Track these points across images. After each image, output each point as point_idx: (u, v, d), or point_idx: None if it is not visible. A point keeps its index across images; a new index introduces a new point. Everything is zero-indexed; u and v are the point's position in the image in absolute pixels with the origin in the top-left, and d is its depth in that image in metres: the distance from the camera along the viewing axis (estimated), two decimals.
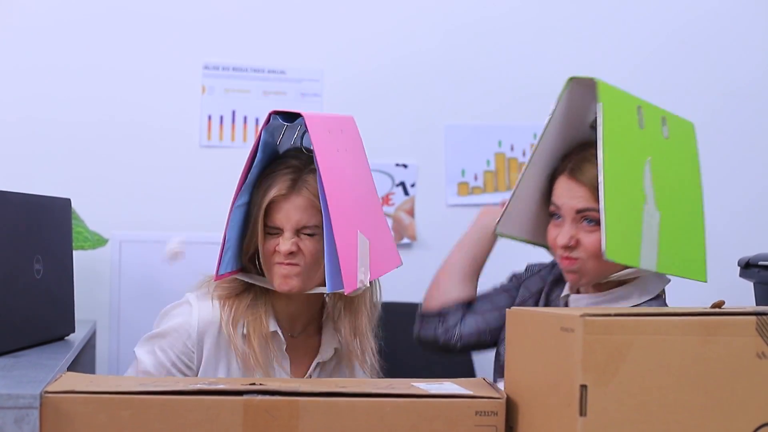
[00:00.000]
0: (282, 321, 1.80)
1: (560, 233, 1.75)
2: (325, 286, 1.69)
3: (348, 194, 1.71)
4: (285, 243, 1.70)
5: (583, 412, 1.08)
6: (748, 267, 2.02)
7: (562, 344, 1.12)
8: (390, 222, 2.85)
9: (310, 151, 1.72)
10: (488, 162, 2.90)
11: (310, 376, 1.79)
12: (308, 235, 1.73)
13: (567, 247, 1.73)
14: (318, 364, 1.81)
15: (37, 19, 2.73)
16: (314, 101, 2.84)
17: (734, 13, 3.00)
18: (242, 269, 1.78)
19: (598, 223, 1.69)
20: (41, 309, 1.77)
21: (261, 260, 1.76)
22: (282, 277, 1.72)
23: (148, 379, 1.32)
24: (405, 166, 2.86)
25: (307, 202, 1.72)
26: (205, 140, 2.79)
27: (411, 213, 2.87)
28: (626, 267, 1.70)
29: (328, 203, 1.61)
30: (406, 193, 2.87)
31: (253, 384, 1.25)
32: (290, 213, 1.71)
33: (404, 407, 1.23)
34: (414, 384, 1.30)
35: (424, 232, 2.88)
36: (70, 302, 1.91)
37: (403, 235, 2.86)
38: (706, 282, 1.82)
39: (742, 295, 2.11)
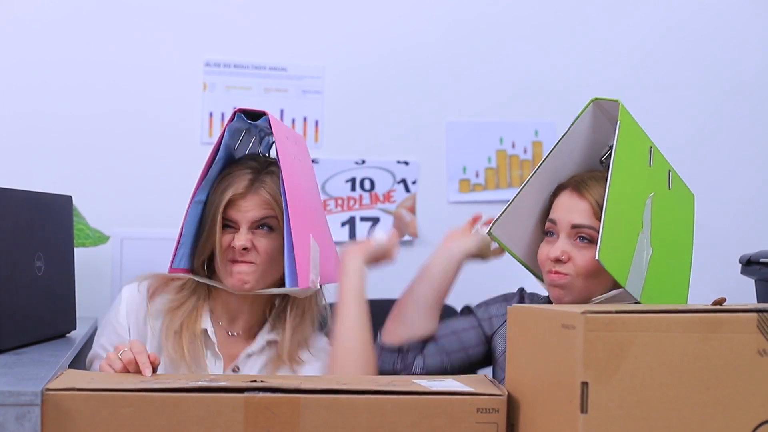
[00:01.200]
0: (221, 319, 1.84)
1: (553, 247, 1.73)
2: (276, 287, 1.77)
3: (302, 199, 1.76)
4: (240, 238, 1.74)
5: (584, 408, 1.08)
6: (749, 264, 2.02)
7: (564, 341, 1.12)
8: (391, 219, 2.85)
9: (267, 157, 1.82)
10: (489, 159, 2.90)
11: (237, 367, 1.79)
12: (263, 232, 1.77)
13: (558, 261, 1.72)
14: (248, 354, 1.81)
15: (38, 19, 2.72)
16: (315, 98, 2.83)
17: (734, 11, 2.99)
18: (192, 270, 1.82)
19: (591, 241, 1.69)
20: (42, 306, 1.77)
21: (216, 258, 1.78)
22: (237, 276, 1.75)
23: (149, 378, 1.32)
24: (406, 163, 2.86)
25: (264, 201, 1.76)
26: (206, 137, 2.79)
27: (412, 210, 2.87)
28: (610, 290, 1.70)
29: (288, 201, 1.67)
30: (407, 190, 2.86)
31: (254, 381, 1.25)
32: (247, 210, 1.76)
33: (405, 404, 1.23)
34: (415, 381, 1.30)
35: (426, 229, 2.87)
36: (72, 299, 1.91)
37: (404, 232, 2.86)
38: None
39: (743, 292, 2.11)
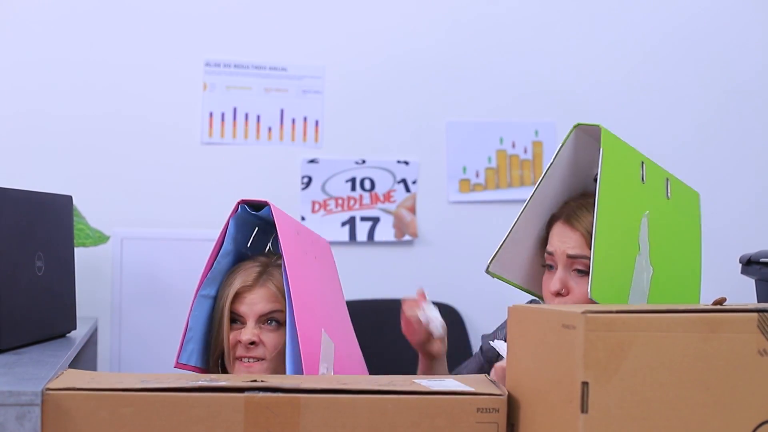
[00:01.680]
0: None
1: (552, 280, 1.73)
2: None
3: (313, 294, 1.72)
4: (246, 332, 1.72)
5: (584, 408, 1.08)
6: (749, 264, 2.01)
7: (564, 341, 1.12)
8: (391, 219, 2.85)
9: (279, 254, 1.75)
10: (490, 159, 2.90)
11: None
12: (271, 327, 1.74)
13: (558, 294, 1.72)
14: None
15: (38, 19, 2.73)
16: (316, 98, 2.83)
17: (734, 11, 2.99)
18: (207, 369, 1.79)
19: (588, 272, 1.65)
20: (43, 306, 1.77)
21: (225, 355, 1.76)
22: (245, 372, 1.72)
23: (150, 376, 1.32)
24: (406, 163, 2.86)
25: (271, 295, 1.74)
26: (206, 137, 2.79)
27: (412, 210, 2.87)
28: None
29: (291, 292, 1.63)
30: (407, 190, 2.86)
31: (255, 381, 1.25)
32: (254, 303, 1.73)
33: (406, 404, 1.23)
34: (415, 381, 1.30)
35: (426, 229, 2.88)
36: (72, 299, 1.91)
37: (404, 232, 2.86)
38: None
39: (743, 292, 2.11)
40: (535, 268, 1.83)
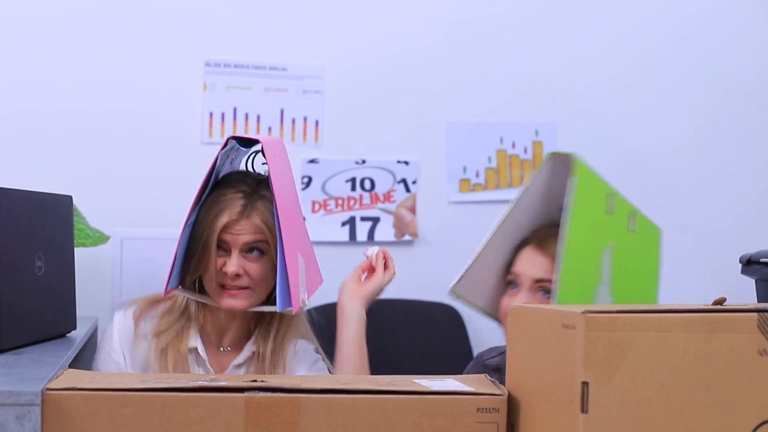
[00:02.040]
0: (212, 335, 1.89)
1: (515, 299, 1.75)
2: (266, 304, 1.82)
3: (291, 218, 1.79)
4: (231, 265, 1.78)
5: (584, 409, 1.08)
6: (749, 264, 2.01)
7: (564, 341, 1.12)
8: (391, 219, 2.85)
9: (258, 175, 1.87)
10: (490, 159, 2.90)
11: None
12: (254, 257, 1.81)
13: None
14: (235, 366, 1.87)
15: (38, 19, 2.72)
16: (316, 98, 2.83)
17: (734, 11, 2.99)
18: (184, 287, 1.86)
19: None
20: (43, 306, 1.77)
21: (209, 280, 1.83)
22: (228, 302, 1.81)
23: (150, 376, 1.32)
24: (406, 163, 2.86)
25: (255, 227, 1.80)
26: (206, 137, 2.79)
27: (412, 210, 2.87)
28: None
29: (282, 231, 1.71)
30: (407, 190, 2.86)
31: (255, 381, 1.25)
32: (239, 235, 1.80)
33: (406, 404, 1.23)
34: (415, 381, 1.30)
35: (426, 229, 2.88)
36: (72, 299, 1.91)
37: (404, 232, 2.86)
38: None
39: (743, 292, 2.11)
40: (497, 291, 1.86)
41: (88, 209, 2.54)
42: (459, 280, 1.84)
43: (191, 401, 1.21)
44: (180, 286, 1.85)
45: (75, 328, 1.91)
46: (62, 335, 1.86)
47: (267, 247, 1.80)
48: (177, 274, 1.83)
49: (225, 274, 1.79)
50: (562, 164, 1.74)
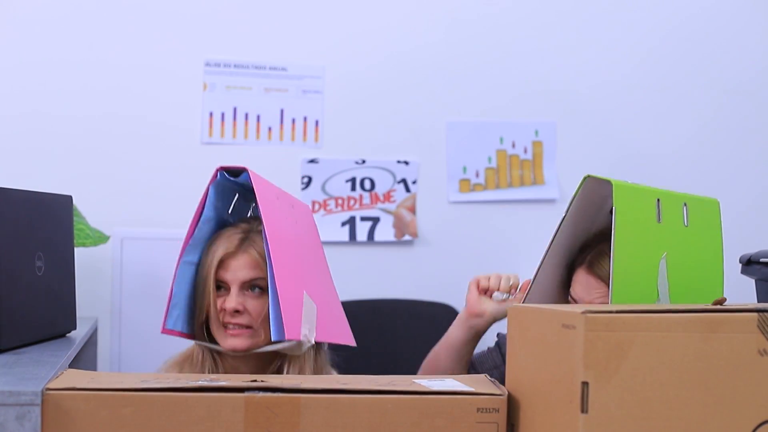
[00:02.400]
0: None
1: None
2: (273, 344, 1.75)
3: (294, 256, 1.75)
4: (231, 301, 1.75)
5: (584, 409, 1.08)
6: (749, 264, 2.01)
7: (564, 341, 1.12)
8: (391, 219, 2.85)
9: (259, 219, 1.78)
10: (490, 159, 2.90)
11: None
12: (254, 294, 1.78)
13: None
14: None
15: (38, 19, 2.72)
16: (316, 98, 2.83)
17: (734, 11, 3.00)
18: (194, 335, 1.83)
19: None
20: (43, 306, 1.77)
21: (211, 321, 1.80)
22: (230, 342, 1.77)
23: (150, 376, 1.32)
24: (406, 163, 2.86)
25: (254, 261, 1.77)
26: (206, 137, 2.79)
27: (412, 210, 2.87)
28: None
29: (272, 255, 1.66)
30: (407, 190, 2.86)
31: (255, 381, 1.25)
32: (237, 270, 1.77)
33: (406, 404, 1.23)
34: (415, 381, 1.30)
35: (426, 229, 2.88)
36: (72, 299, 1.91)
37: (404, 232, 2.86)
38: None
39: (743, 292, 2.11)
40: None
41: (88, 209, 2.54)
42: (524, 301, 1.80)
43: (191, 401, 1.21)
44: (192, 336, 1.83)
45: (75, 328, 1.91)
46: (62, 335, 1.86)
47: (267, 284, 1.74)
48: (183, 317, 1.81)
49: (225, 312, 1.76)
50: (600, 182, 1.69)
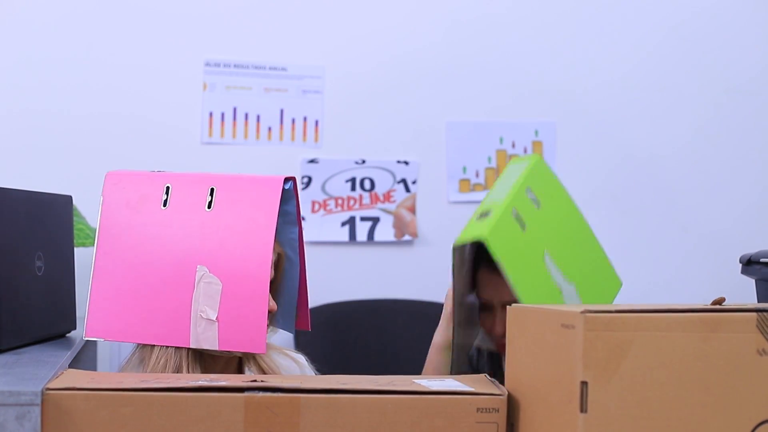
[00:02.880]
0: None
1: (496, 324, 1.76)
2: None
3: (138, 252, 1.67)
4: None
5: (583, 408, 1.08)
6: (749, 264, 2.01)
7: (563, 341, 1.12)
8: (391, 219, 2.85)
9: None
10: (489, 159, 2.90)
11: None
12: None
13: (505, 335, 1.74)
14: None
15: (38, 19, 2.73)
16: (316, 98, 2.84)
17: (734, 11, 3.00)
18: None
19: None
20: (43, 306, 1.77)
21: None
22: None
23: (150, 376, 1.32)
24: (406, 163, 2.86)
25: None
26: (206, 137, 2.79)
27: (412, 210, 2.87)
28: None
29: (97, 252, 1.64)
30: (407, 190, 2.86)
31: (255, 381, 1.25)
32: None
33: (406, 404, 1.23)
34: (415, 381, 1.30)
35: (426, 229, 2.88)
36: (72, 299, 1.91)
37: (404, 232, 2.86)
38: (621, 284, 1.81)
39: (743, 292, 2.11)
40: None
41: (88, 209, 2.54)
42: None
43: (191, 401, 1.21)
44: None
45: (75, 328, 1.91)
46: (62, 335, 1.86)
47: None
48: None
49: None
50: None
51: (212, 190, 1.64)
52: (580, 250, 1.80)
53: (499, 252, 1.65)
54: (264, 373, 1.73)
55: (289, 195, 1.67)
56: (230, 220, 1.62)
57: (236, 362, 1.75)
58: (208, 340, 1.59)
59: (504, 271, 1.64)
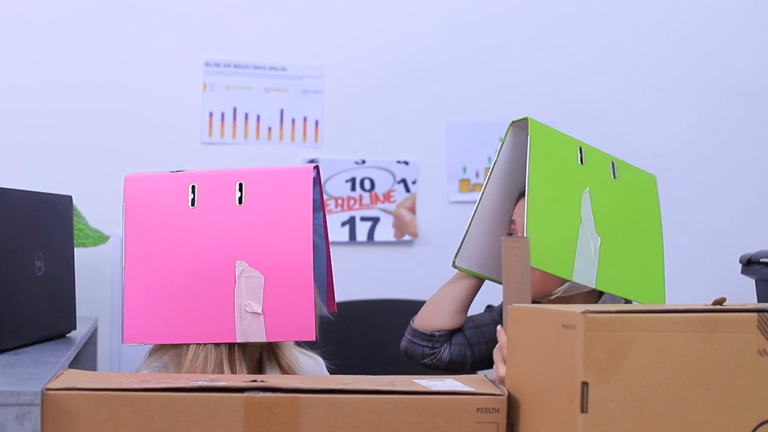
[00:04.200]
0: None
1: None
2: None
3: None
4: None
5: (584, 409, 1.08)
6: (749, 264, 2.01)
7: (564, 341, 1.12)
8: (391, 219, 2.85)
9: None
10: (489, 159, 2.90)
11: None
12: None
13: None
14: None
15: (38, 19, 2.73)
16: (316, 98, 2.84)
17: (734, 12, 3.00)
18: None
19: None
20: (43, 306, 1.77)
21: None
22: None
23: (150, 376, 1.32)
24: (406, 163, 2.86)
25: None
26: (206, 137, 2.79)
27: (412, 210, 2.87)
28: (562, 283, 1.81)
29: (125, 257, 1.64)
30: (407, 190, 2.86)
31: (255, 381, 1.25)
32: None
33: (406, 404, 1.23)
34: (415, 381, 1.30)
35: (426, 229, 2.88)
36: (72, 299, 1.91)
37: (404, 232, 2.86)
38: (660, 300, 1.87)
39: (743, 292, 2.11)
40: (496, 257, 1.92)
41: (88, 209, 2.54)
42: (457, 254, 1.90)
43: (191, 401, 1.21)
44: None
45: (75, 328, 1.91)
46: (62, 335, 1.86)
47: None
48: None
49: None
50: (526, 129, 1.82)
51: (240, 185, 1.65)
52: (633, 241, 1.83)
53: (536, 135, 1.73)
54: (284, 370, 1.74)
55: (313, 182, 1.69)
56: (264, 213, 1.63)
57: (257, 358, 1.76)
58: (255, 332, 1.61)
59: (528, 162, 1.69)
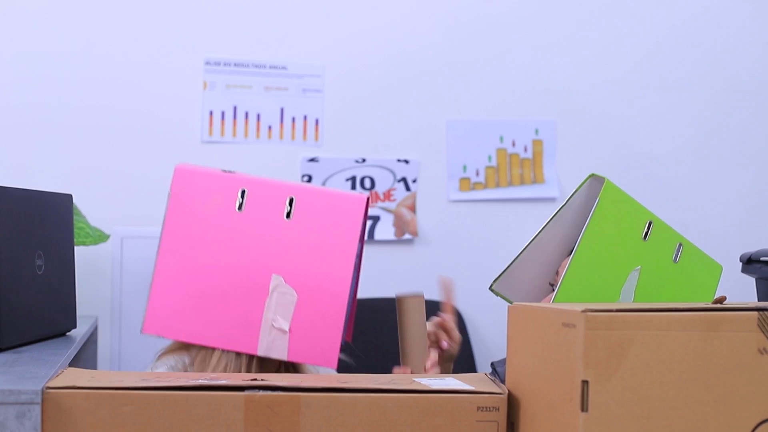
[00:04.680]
0: None
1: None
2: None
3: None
4: None
5: (584, 407, 1.08)
6: (749, 263, 2.01)
7: (564, 340, 1.12)
8: (392, 218, 2.85)
9: None
10: (490, 158, 2.90)
11: None
12: None
13: None
14: None
15: (39, 17, 2.72)
16: (316, 97, 2.83)
17: (734, 11, 2.99)
18: None
19: None
20: (43, 305, 1.77)
21: None
22: None
23: (150, 374, 1.32)
24: (406, 161, 2.86)
25: None
26: (206, 136, 2.79)
27: (412, 209, 2.87)
28: None
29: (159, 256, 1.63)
30: (407, 188, 2.86)
31: (255, 379, 1.25)
32: None
33: (406, 402, 1.23)
34: (415, 379, 1.30)
35: (426, 227, 2.88)
36: (72, 298, 1.91)
37: (404, 231, 2.86)
38: None
39: (743, 290, 2.11)
40: (541, 294, 1.85)
41: (88, 208, 2.54)
42: (498, 279, 1.82)
43: (191, 400, 1.21)
44: None
45: (75, 327, 1.91)
46: (62, 334, 1.86)
47: None
48: None
49: None
50: (598, 184, 1.73)
51: (291, 200, 1.63)
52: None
53: (606, 199, 1.64)
54: None
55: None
56: (310, 232, 1.61)
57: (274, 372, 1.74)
58: (277, 349, 1.59)
59: (586, 224, 1.59)
